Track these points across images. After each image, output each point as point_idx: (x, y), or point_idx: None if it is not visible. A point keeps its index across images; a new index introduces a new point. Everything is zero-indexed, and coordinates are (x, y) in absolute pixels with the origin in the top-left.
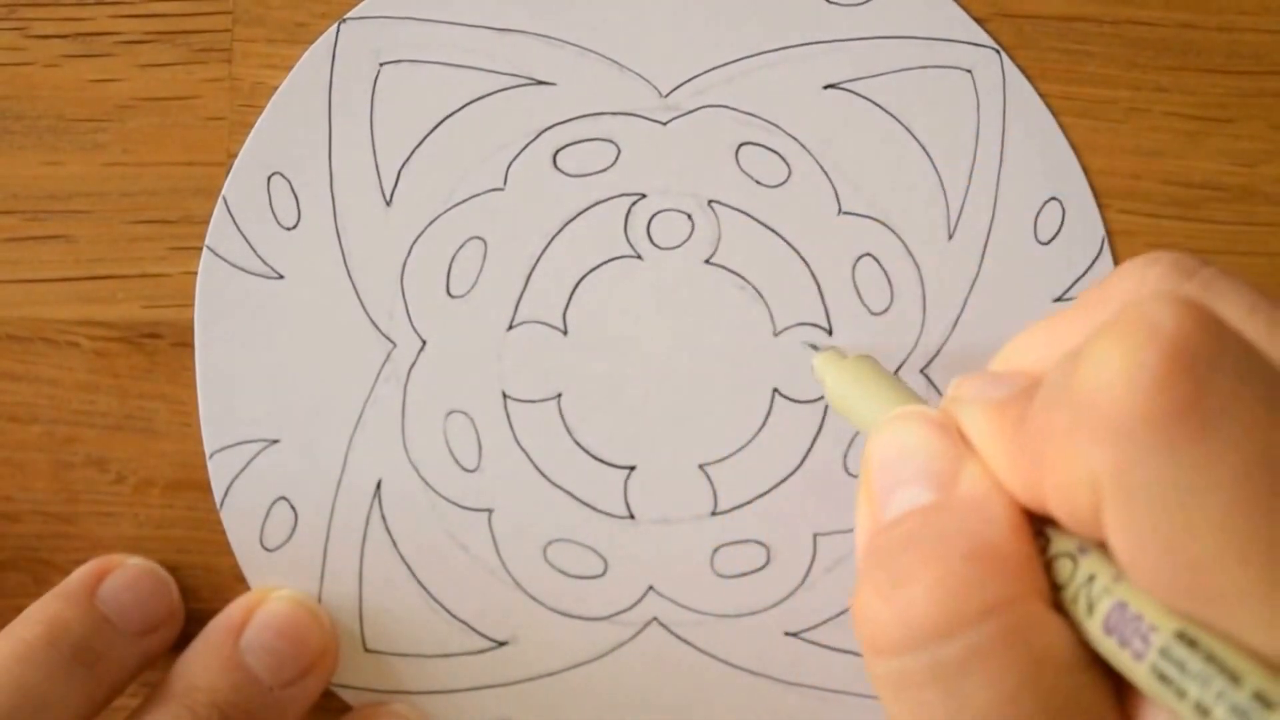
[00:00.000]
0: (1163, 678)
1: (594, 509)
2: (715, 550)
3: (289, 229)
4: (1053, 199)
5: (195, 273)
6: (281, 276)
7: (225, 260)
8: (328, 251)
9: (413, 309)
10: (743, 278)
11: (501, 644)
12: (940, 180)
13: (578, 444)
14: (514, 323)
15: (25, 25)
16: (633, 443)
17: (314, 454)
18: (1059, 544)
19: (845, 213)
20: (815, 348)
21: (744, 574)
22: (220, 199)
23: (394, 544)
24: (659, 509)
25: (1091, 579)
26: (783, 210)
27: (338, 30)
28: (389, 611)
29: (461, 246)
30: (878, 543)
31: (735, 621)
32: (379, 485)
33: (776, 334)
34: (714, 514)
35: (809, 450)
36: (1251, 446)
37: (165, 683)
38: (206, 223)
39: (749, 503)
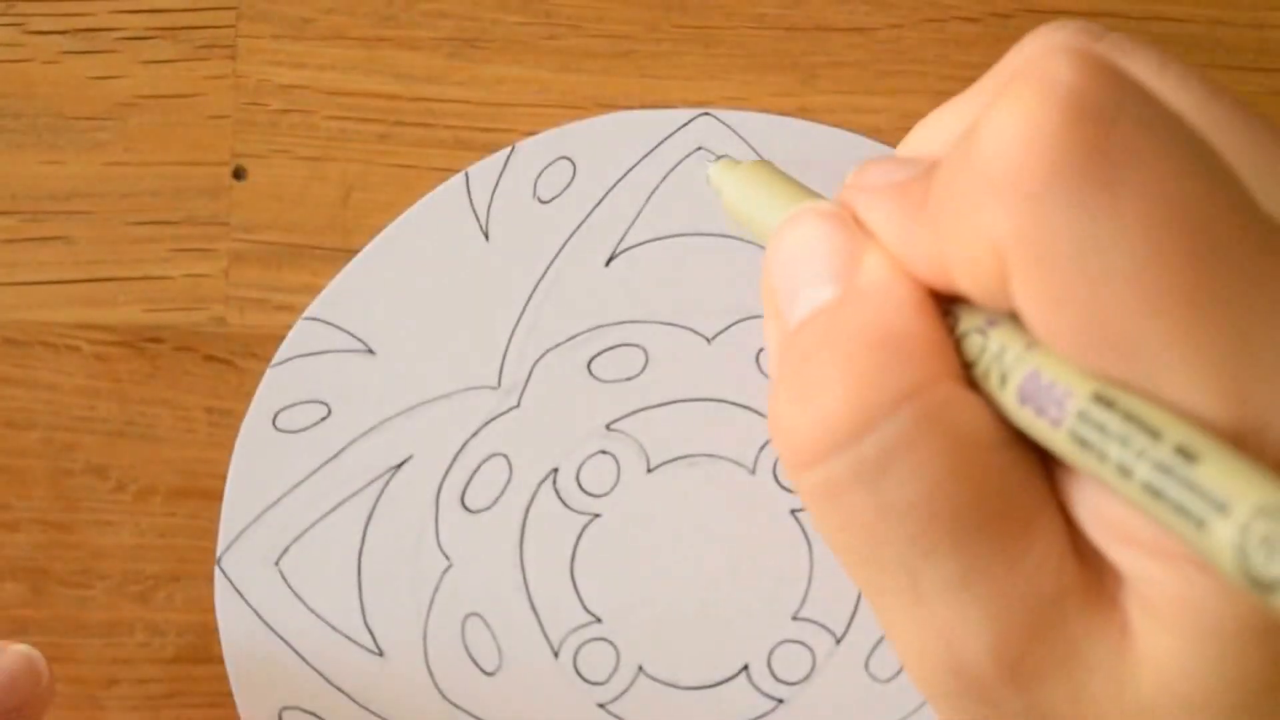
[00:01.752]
0: (1082, 442)
1: None
2: None
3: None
4: None
5: (197, 275)
6: None
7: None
8: None
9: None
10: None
11: None
12: None
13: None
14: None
15: (23, 21)
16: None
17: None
18: (967, 320)
19: (716, 335)
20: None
21: None
22: None
23: None
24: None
25: (1003, 351)
26: None
27: None
28: None
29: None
30: (786, 350)
31: None
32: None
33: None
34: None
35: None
36: (1161, 194)
37: None
38: (209, 224)
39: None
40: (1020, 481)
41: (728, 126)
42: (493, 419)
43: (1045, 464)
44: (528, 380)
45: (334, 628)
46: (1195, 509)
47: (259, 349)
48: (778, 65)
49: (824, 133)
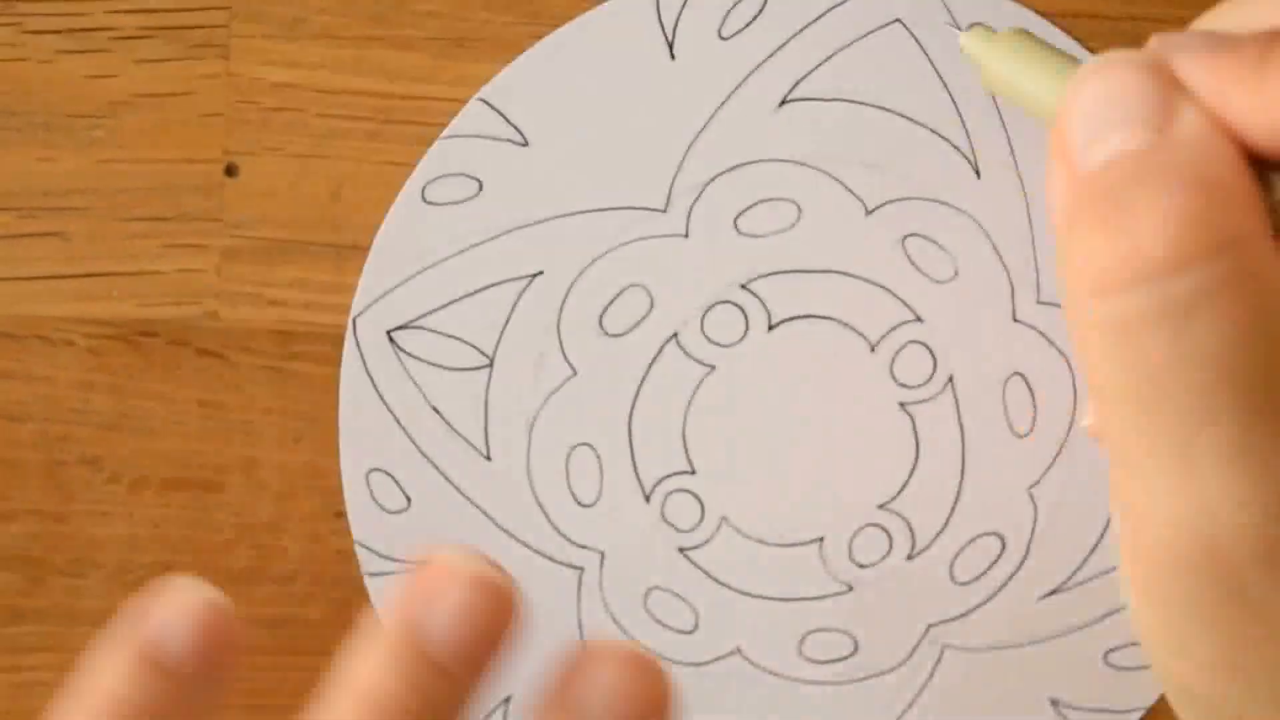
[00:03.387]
0: None
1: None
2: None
3: None
4: None
5: (190, 270)
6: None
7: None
8: None
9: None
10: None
11: None
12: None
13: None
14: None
15: (20, 21)
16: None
17: None
18: None
19: (876, 209)
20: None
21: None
22: None
23: None
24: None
25: None
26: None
27: None
28: None
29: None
30: (1091, 186)
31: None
32: None
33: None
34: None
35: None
36: None
37: None
38: (202, 220)
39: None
40: None
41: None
42: (649, 238)
43: None
44: (692, 206)
45: (445, 419)
46: None
47: (251, 343)
48: None
49: (1033, 22)
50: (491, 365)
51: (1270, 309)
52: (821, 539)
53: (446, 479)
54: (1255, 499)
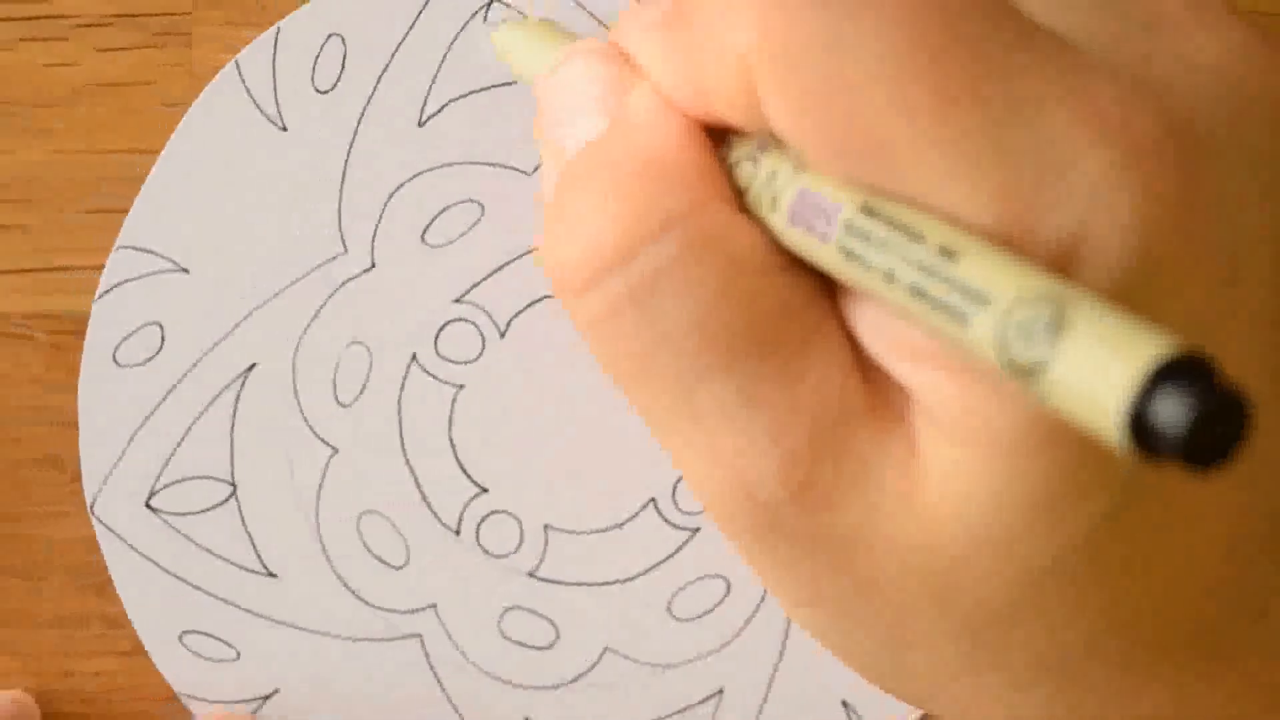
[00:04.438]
0: (849, 254)
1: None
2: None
3: None
4: None
5: None
6: None
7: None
8: None
9: None
10: None
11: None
12: None
13: None
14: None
15: None
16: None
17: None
18: (739, 149)
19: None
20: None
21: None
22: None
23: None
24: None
25: (774, 175)
26: None
27: None
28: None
29: None
30: (557, 186)
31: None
32: None
33: None
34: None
35: None
36: None
37: None
38: None
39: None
40: (798, 304)
41: None
42: (344, 283)
43: (828, 289)
44: (375, 234)
45: (221, 556)
46: (958, 305)
47: None
48: None
49: None
50: (234, 487)
51: (733, 267)
52: (653, 499)
53: (250, 612)
54: (768, 443)
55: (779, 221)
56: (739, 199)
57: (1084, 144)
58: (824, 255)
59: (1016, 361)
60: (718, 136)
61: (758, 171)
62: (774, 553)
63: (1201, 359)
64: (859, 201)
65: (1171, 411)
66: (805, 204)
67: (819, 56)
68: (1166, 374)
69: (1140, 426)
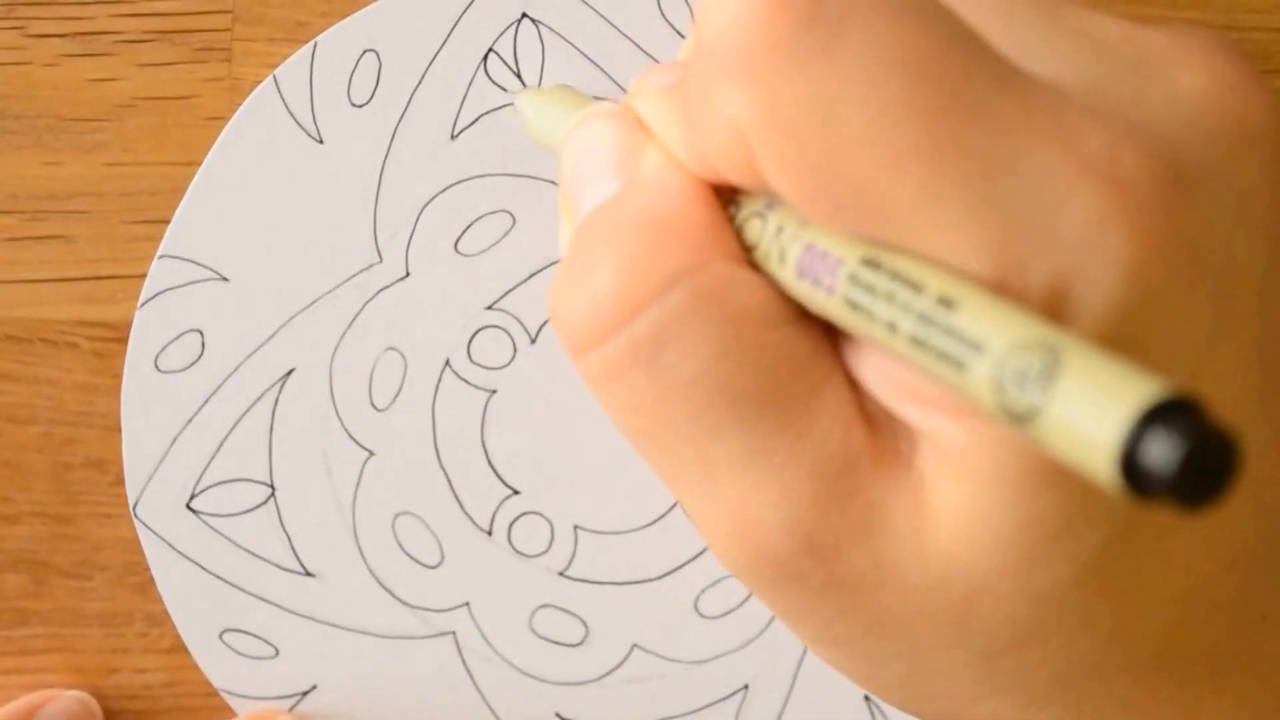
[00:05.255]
0: (854, 306)
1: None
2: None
3: None
4: None
5: None
6: None
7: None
8: None
9: None
10: None
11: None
12: None
13: None
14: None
15: (24, 24)
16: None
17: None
18: (747, 207)
19: None
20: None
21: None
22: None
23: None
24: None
25: (780, 230)
26: None
27: None
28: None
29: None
30: (570, 245)
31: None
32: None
33: None
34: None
35: None
36: (881, 49)
37: None
38: None
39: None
40: (804, 356)
41: None
42: (379, 292)
43: (833, 339)
44: (409, 244)
45: (260, 556)
46: (956, 353)
47: None
48: None
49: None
50: (273, 489)
51: (741, 319)
52: (679, 501)
53: (290, 611)
54: (777, 494)
55: (787, 275)
56: (748, 255)
57: (1071, 186)
58: (830, 307)
59: (1012, 408)
60: (727, 195)
61: (766, 227)
62: (787, 599)
63: (1189, 400)
64: (860, 254)
65: (1160, 452)
66: (811, 257)
67: (808, 123)
68: (1155, 416)
69: (1132, 467)
